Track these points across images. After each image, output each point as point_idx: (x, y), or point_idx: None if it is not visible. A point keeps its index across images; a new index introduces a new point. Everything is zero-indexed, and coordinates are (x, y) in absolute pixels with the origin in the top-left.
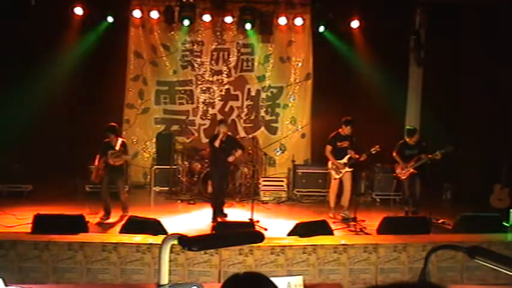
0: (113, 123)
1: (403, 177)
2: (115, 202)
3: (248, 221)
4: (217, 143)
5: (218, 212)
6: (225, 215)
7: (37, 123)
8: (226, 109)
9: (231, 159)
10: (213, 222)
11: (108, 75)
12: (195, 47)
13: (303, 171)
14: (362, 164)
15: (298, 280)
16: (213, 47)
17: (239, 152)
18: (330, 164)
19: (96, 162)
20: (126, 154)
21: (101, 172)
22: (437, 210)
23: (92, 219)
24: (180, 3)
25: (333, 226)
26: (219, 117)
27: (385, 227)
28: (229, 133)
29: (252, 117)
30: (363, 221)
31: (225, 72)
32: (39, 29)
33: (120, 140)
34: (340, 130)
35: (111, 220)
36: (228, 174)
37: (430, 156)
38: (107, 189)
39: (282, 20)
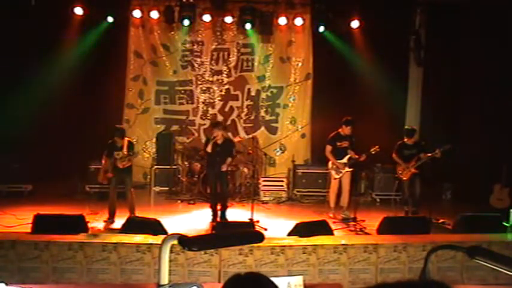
0: (121, 126)
1: (405, 178)
2: (119, 203)
3: (248, 221)
4: (209, 148)
5: (220, 215)
6: (225, 220)
7: (37, 123)
8: (226, 109)
9: (224, 168)
10: (212, 222)
11: (108, 75)
12: (195, 47)
13: (303, 171)
14: (362, 164)
15: (298, 280)
16: (213, 47)
17: (229, 161)
18: (330, 164)
19: (103, 163)
20: (134, 154)
21: (109, 174)
22: (437, 210)
23: (92, 219)
24: (180, 3)
25: (333, 226)
26: (219, 117)
27: (385, 227)
28: (229, 135)
29: (252, 117)
30: (363, 221)
31: (225, 72)
32: (39, 29)
33: (126, 141)
34: (340, 130)
35: (115, 225)
36: (226, 176)
37: (429, 155)
38: (115, 191)
39: (282, 20)
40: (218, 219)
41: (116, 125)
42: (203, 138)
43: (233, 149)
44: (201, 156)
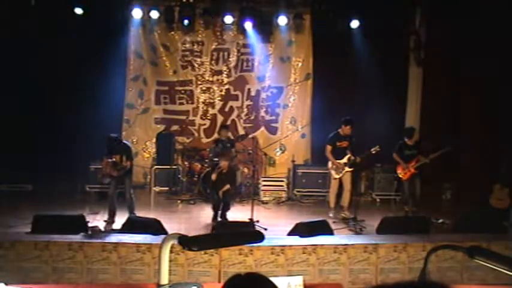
0: (113, 136)
1: (405, 178)
2: (119, 203)
3: (248, 221)
4: (213, 177)
5: (220, 214)
6: (225, 219)
7: (37, 123)
8: (226, 109)
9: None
10: (213, 221)
11: (108, 75)
12: (195, 47)
13: (303, 171)
14: (362, 164)
15: (298, 280)
16: (213, 47)
17: (226, 187)
18: (330, 164)
19: (104, 163)
20: (131, 159)
21: (113, 173)
22: (437, 210)
23: (92, 220)
24: (180, 3)
25: (332, 226)
26: (219, 117)
27: (385, 227)
28: (229, 135)
29: (252, 117)
30: (363, 221)
31: (225, 72)
32: (39, 29)
33: (122, 155)
34: (339, 130)
35: (115, 225)
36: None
37: (429, 158)
38: (115, 191)
39: (282, 20)
40: (218, 218)
41: (110, 135)
42: (203, 138)
43: (235, 178)
44: (201, 156)
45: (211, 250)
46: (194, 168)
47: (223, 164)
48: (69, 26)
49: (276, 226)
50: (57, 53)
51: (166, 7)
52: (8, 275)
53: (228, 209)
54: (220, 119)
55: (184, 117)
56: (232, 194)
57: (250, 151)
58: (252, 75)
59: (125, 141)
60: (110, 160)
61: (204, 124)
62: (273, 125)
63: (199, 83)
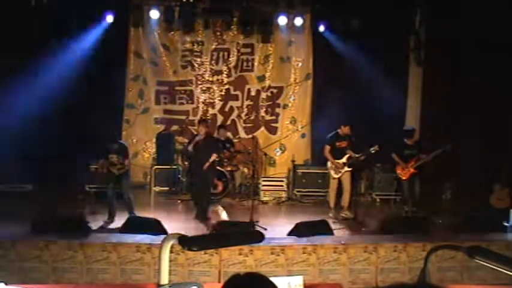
0: (112, 133)
1: (404, 178)
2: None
3: (248, 221)
4: (190, 148)
5: (202, 213)
6: (206, 218)
7: (37, 123)
8: (226, 109)
9: (205, 166)
10: (195, 218)
11: (108, 75)
12: (195, 47)
13: (303, 171)
14: (362, 164)
15: (298, 280)
16: (213, 47)
17: (213, 157)
18: (329, 164)
19: (100, 164)
20: (127, 158)
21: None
22: (437, 210)
23: (92, 220)
24: (180, 3)
25: (332, 226)
26: (219, 117)
27: (385, 227)
28: (229, 135)
29: (252, 117)
30: (363, 221)
31: (225, 72)
32: (39, 29)
33: (119, 155)
34: (339, 130)
35: (115, 225)
36: (210, 175)
37: (430, 156)
38: (113, 191)
39: (282, 20)
40: (201, 216)
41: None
42: None
43: (217, 145)
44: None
45: (211, 250)
46: None
47: (200, 129)
48: (69, 26)
49: (276, 226)
50: (57, 53)
51: (166, 7)
52: (8, 275)
53: (207, 205)
54: (220, 119)
55: (184, 117)
56: (217, 170)
57: (250, 151)
58: (252, 75)
59: (121, 141)
60: (106, 160)
61: None
62: (273, 125)
63: (199, 83)
